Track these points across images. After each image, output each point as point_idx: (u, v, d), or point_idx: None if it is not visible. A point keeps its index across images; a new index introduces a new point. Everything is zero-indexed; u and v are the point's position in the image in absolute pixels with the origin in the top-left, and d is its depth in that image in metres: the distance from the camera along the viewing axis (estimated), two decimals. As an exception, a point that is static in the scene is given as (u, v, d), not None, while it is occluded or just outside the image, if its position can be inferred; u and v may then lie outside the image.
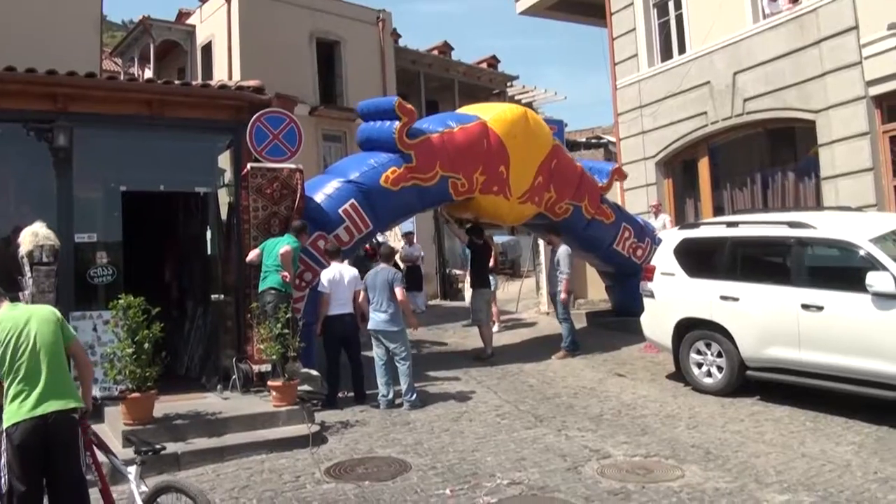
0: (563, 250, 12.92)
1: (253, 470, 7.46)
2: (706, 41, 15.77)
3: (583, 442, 7.96)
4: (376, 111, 11.66)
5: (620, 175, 15.12)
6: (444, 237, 22.95)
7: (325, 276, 10.06)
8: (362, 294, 10.09)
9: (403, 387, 9.79)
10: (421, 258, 19.30)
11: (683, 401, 9.57)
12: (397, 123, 11.14)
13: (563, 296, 12.71)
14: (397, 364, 9.86)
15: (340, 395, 10.01)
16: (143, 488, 5.01)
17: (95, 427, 6.30)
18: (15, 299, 5.34)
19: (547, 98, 29.49)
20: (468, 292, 13.99)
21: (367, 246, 12.55)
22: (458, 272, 22.83)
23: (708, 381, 9.84)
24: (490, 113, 12.49)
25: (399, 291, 9.81)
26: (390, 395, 9.80)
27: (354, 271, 10.33)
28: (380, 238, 16.17)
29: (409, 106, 11.48)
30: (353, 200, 10.91)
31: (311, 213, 10.42)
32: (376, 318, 9.89)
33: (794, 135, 14.83)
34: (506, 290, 19.93)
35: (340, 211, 10.83)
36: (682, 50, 16.72)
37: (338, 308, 9.94)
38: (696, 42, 16.16)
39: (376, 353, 10.04)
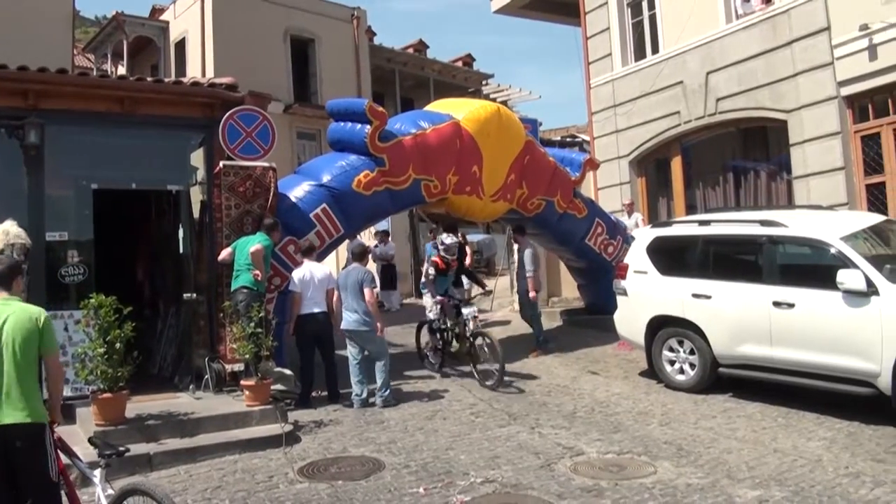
0: (527, 253, 12.90)
1: (226, 470, 7.41)
2: (679, 41, 15.86)
3: (556, 439, 7.98)
4: (346, 112, 11.51)
5: (593, 166, 14.98)
6: (419, 235, 22.90)
7: (297, 274, 10.02)
8: (336, 293, 10.06)
9: (378, 382, 9.80)
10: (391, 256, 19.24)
11: (656, 398, 9.63)
12: (368, 127, 11.02)
13: (531, 294, 12.70)
14: (376, 363, 9.87)
15: (314, 394, 9.97)
16: (109, 491, 4.95)
17: (66, 428, 6.24)
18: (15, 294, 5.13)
19: (522, 97, 29.58)
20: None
21: (438, 259, 11.68)
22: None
23: (680, 378, 9.91)
24: (463, 111, 12.37)
25: (368, 292, 9.79)
26: (364, 395, 9.79)
27: (327, 270, 10.30)
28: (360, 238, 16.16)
29: (380, 109, 11.35)
30: (324, 205, 10.85)
31: (282, 217, 10.32)
32: (348, 319, 9.88)
33: (767, 134, 14.96)
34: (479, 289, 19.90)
35: (312, 216, 10.75)
36: (655, 49, 16.82)
37: (310, 307, 9.90)
38: (669, 42, 16.26)
39: (350, 352, 10.03)
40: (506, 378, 10.48)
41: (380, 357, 9.90)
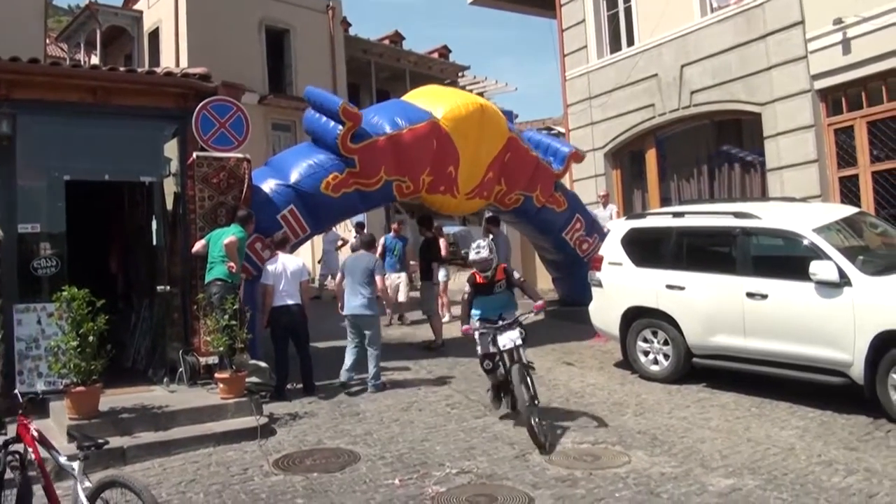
0: (500, 240, 12.95)
1: (200, 463, 7.38)
2: (654, 34, 15.93)
3: (532, 430, 7.99)
4: (321, 106, 11.33)
5: (577, 159, 14.72)
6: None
7: (270, 266, 10.00)
8: (305, 284, 10.12)
9: (372, 371, 9.99)
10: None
11: (631, 388, 9.68)
12: (341, 127, 10.89)
13: None
14: (368, 349, 10.03)
15: (289, 386, 9.94)
16: (87, 484, 4.93)
17: (40, 422, 6.19)
18: None
19: (498, 89, 29.63)
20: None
21: (477, 274, 8.32)
22: (411, 263, 22.76)
23: (655, 368, 9.97)
24: (444, 106, 12.01)
25: (379, 279, 10.04)
26: (349, 381, 10.05)
27: (300, 262, 10.27)
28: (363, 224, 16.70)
29: (355, 110, 11.11)
30: (291, 206, 10.81)
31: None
32: (353, 303, 10.00)
33: (741, 127, 15.07)
34: (457, 281, 19.91)
35: (279, 217, 10.70)
36: (630, 42, 16.88)
37: (283, 299, 9.88)
38: (644, 35, 16.32)
39: (349, 338, 10.19)
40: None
41: (374, 343, 10.05)
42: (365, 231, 18.92)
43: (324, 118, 11.23)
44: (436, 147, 11.68)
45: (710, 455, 7.03)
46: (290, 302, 9.89)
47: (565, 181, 15.09)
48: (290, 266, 10.01)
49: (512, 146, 12.78)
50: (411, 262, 15.72)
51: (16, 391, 6.38)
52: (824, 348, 8.20)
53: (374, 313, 10.05)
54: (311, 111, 11.62)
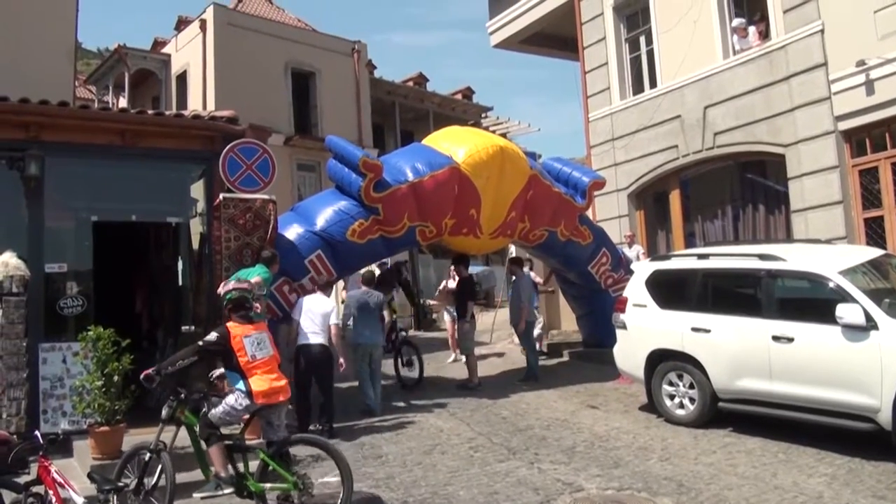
0: (522, 283, 13.06)
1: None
2: (677, 76, 16.00)
3: (555, 475, 7.92)
4: (342, 158, 11.47)
5: (598, 187, 14.48)
6: (417, 266, 22.91)
7: (299, 303, 10.11)
8: (334, 328, 10.12)
9: (378, 391, 11.27)
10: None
11: (656, 432, 9.57)
12: (363, 179, 11.02)
13: (521, 325, 13.06)
14: (375, 371, 11.26)
15: (312, 427, 9.91)
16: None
17: (63, 462, 6.22)
18: None
19: (521, 129, 29.70)
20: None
21: None
22: (431, 302, 22.78)
23: (680, 412, 9.86)
24: (464, 148, 12.04)
25: (386, 314, 11.68)
26: (378, 400, 11.16)
27: (331, 305, 10.28)
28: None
29: (374, 162, 11.17)
30: (319, 251, 10.94)
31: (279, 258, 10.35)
32: (367, 334, 11.23)
33: (765, 168, 15.02)
34: (480, 321, 19.86)
35: (307, 262, 10.82)
36: (653, 84, 16.96)
37: (306, 337, 9.94)
38: (667, 76, 16.39)
39: (362, 368, 11.18)
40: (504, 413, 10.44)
41: (379, 367, 11.32)
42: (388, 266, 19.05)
43: (346, 169, 11.37)
44: (457, 192, 11.72)
45: (737, 503, 6.92)
46: (312, 341, 9.90)
47: (590, 215, 15.07)
48: (320, 306, 10.04)
49: (534, 184, 12.73)
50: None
51: (36, 432, 6.41)
52: (851, 393, 8.07)
53: (381, 341, 11.41)
54: (333, 161, 11.79)
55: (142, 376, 6.78)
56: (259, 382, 6.74)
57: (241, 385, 6.79)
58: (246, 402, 6.77)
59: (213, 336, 6.80)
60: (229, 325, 6.87)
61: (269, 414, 6.95)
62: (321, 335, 9.96)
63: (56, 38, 17.80)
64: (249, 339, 6.83)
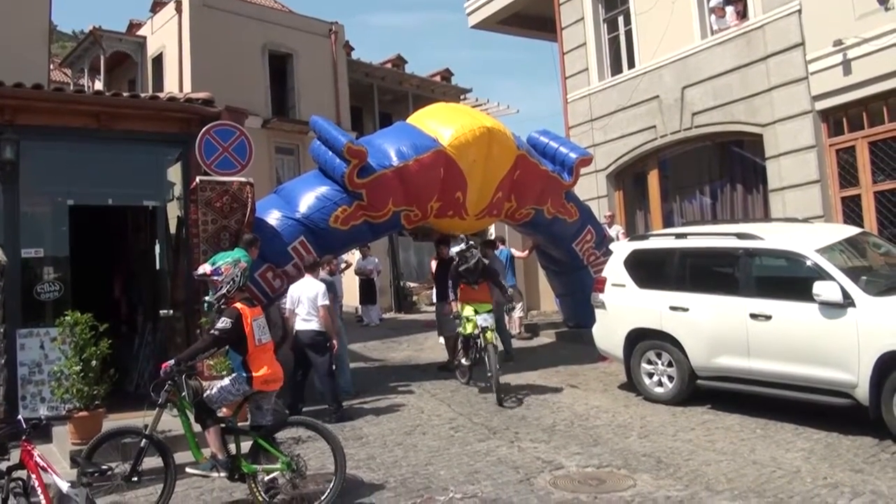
0: (496, 264, 12.95)
1: (203, 489, 7.35)
2: (655, 56, 16.02)
3: (535, 453, 7.97)
4: (327, 141, 11.29)
5: (585, 164, 14.16)
6: (398, 249, 22.88)
7: (290, 294, 10.06)
8: (322, 310, 9.97)
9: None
10: (376, 272, 19.22)
11: (635, 410, 9.64)
12: (347, 165, 10.91)
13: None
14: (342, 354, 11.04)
15: (306, 409, 9.87)
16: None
17: (43, 447, 6.19)
18: None
19: (500, 111, 29.69)
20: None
21: None
22: (412, 284, 22.79)
23: (659, 390, 9.93)
24: (449, 130, 11.71)
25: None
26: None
27: (319, 287, 10.10)
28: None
29: (359, 148, 11.00)
30: (302, 238, 10.84)
31: (260, 245, 10.22)
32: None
33: (743, 147, 15.09)
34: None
35: (290, 249, 10.74)
36: (631, 64, 16.97)
37: (297, 323, 9.89)
38: (645, 57, 16.41)
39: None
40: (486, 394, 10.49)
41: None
42: (370, 253, 19.03)
43: (330, 152, 11.24)
44: (443, 175, 11.57)
45: (715, 478, 6.98)
46: (303, 327, 9.87)
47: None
48: (307, 291, 9.96)
49: (521, 164, 12.45)
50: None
51: (19, 416, 6.38)
52: (828, 369, 8.16)
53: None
54: (318, 142, 11.64)
55: (161, 370, 6.72)
56: (261, 369, 6.72)
57: (241, 369, 6.77)
58: (245, 387, 6.76)
59: (226, 323, 6.68)
60: (239, 307, 6.80)
61: (260, 399, 6.93)
62: (312, 320, 9.89)
63: (30, 21, 17.60)
64: (257, 323, 6.81)
